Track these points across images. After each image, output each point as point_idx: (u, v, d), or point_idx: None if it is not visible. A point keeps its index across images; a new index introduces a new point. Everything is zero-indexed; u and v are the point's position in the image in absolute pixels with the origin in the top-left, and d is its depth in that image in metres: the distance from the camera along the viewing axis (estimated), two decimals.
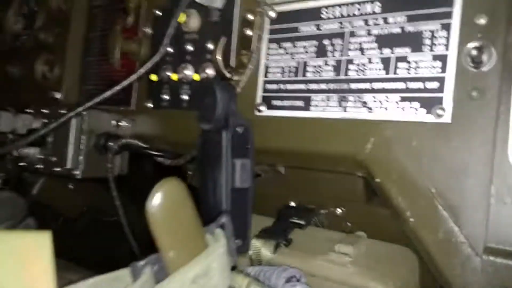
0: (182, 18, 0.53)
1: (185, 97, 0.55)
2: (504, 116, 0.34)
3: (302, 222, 0.54)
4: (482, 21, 0.36)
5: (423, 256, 0.39)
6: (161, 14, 0.59)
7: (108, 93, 0.52)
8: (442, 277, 0.37)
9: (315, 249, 0.49)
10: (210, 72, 0.52)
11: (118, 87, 0.52)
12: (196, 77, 0.53)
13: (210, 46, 0.53)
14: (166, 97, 0.57)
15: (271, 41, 0.49)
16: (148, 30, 0.60)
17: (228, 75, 0.49)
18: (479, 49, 0.36)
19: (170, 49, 0.56)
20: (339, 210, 0.57)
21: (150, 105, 0.58)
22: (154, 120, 0.58)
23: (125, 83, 0.53)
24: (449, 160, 0.37)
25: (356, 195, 0.52)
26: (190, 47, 0.55)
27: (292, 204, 0.59)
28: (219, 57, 0.50)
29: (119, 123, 0.58)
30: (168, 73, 0.56)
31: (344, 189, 0.52)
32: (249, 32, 0.50)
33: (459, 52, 0.37)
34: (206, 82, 0.49)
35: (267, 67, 0.49)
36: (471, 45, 0.36)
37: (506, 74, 0.35)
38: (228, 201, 0.42)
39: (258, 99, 0.49)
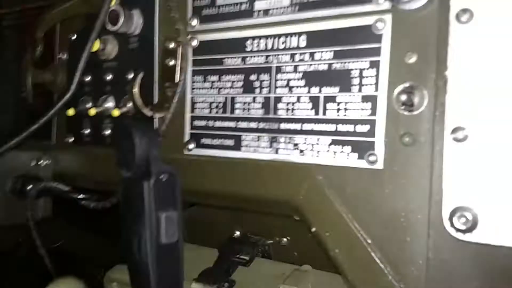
0: (96, 45, 0.48)
1: (107, 132, 0.50)
2: (438, 163, 0.32)
3: (246, 258, 0.51)
4: (412, 59, 0.33)
5: None
6: (75, 37, 0.53)
7: (22, 136, 0.47)
8: None
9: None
10: (131, 105, 0.48)
11: (32, 128, 0.47)
12: (116, 112, 0.48)
13: (130, 76, 0.48)
14: (87, 131, 0.51)
15: (195, 73, 0.44)
16: (65, 56, 0.54)
17: (148, 113, 0.45)
18: (410, 90, 0.33)
19: (87, 78, 0.51)
20: (284, 240, 0.55)
21: (71, 140, 0.53)
22: (76, 157, 0.53)
23: (40, 121, 0.47)
24: (384, 209, 0.34)
25: (301, 224, 0.50)
26: (109, 77, 0.50)
27: (237, 233, 0.57)
28: (136, 93, 0.45)
29: (39, 162, 0.53)
30: (88, 106, 0.51)
31: (288, 218, 0.50)
32: (171, 62, 0.45)
33: (389, 93, 0.34)
34: (123, 123, 0.44)
35: (193, 102, 0.45)
36: (401, 86, 0.34)
37: (438, 117, 0.32)
38: (154, 259, 0.39)
39: (186, 137, 0.45)
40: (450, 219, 0.30)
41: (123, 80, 0.49)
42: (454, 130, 0.31)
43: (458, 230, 0.30)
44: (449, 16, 0.31)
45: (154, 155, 0.40)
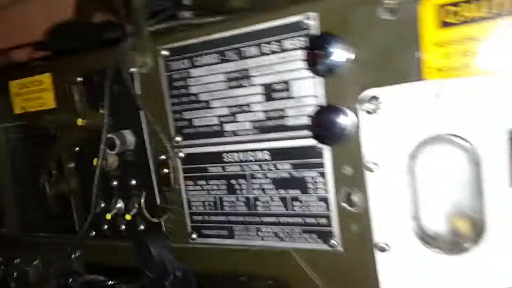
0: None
1: (122, 227, 0.61)
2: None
3: None
4: (349, 171, 0.44)
5: None
6: (79, 149, 0.63)
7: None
8: None
9: None
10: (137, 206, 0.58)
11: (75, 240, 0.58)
12: (128, 217, 0.59)
13: (133, 182, 0.58)
14: (105, 227, 0.62)
15: (186, 178, 0.55)
16: (72, 165, 0.64)
17: (155, 220, 0.56)
18: (350, 193, 0.44)
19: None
20: None
21: (92, 234, 0.64)
22: (100, 248, 0.64)
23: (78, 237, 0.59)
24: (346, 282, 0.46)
25: None
26: (115, 183, 0.60)
27: None
28: (143, 207, 0.56)
29: (71, 257, 0.64)
30: (102, 207, 0.61)
31: None
32: (165, 171, 0.56)
33: (337, 195, 0.45)
34: (140, 239, 0.55)
35: (190, 201, 0.55)
36: (344, 190, 0.45)
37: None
38: None
39: (189, 229, 0.56)
40: None
41: (127, 185, 0.59)
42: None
43: None
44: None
45: (168, 257, 0.52)
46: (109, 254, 0.62)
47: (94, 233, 0.63)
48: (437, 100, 0.35)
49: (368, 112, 0.39)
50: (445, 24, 0.37)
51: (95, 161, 0.57)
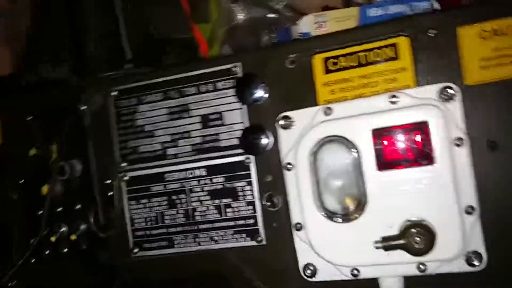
0: (45, 190, 0.64)
1: (65, 250, 0.66)
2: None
3: None
4: (269, 178, 0.58)
5: None
6: (23, 181, 0.68)
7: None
8: None
9: None
10: (84, 227, 0.65)
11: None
12: (73, 237, 0.64)
13: (78, 207, 0.65)
14: (47, 252, 0.66)
15: (130, 198, 0.64)
16: (16, 196, 0.68)
17: (101, 235, 0.63)
18: (271, 196, 0.57)
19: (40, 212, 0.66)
20: None
21: (32, 260, 0.67)
22: (40, 274, 0.67)
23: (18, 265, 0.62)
24: (270, 268, 0.58)
25: None
26: (60, 209, 0.66)
27: None
28: (91, 222, 0.63)
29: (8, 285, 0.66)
30: (44, 233, 0.66)
31: None
32: (110, 193, 0.64)
33: (261, 199, 0.58)
34: None
35: (132, 218, 0.63)
36: (266, 194, 0.58)
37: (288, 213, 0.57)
38: None
39: (131, 244, 0.63)
40: (303, 270, 0.54)
41: (71, 210, 0.65)
42: (295, 224, 0.55)
43: (307, 275, 0.54)
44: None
45: None
46: (50, 279, 0.66)
47: (34, 260, 0.67)
48: (326, 116, 0.52)
49: (283, 128, 0.54)
50: (329, 71, 0.54)
51: (44, 188, 0.63)
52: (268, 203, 0.57)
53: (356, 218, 0.50)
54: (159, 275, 0.62)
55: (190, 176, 0.61)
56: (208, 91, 0.60)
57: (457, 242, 0.47)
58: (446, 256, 0.47)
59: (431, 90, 0.49)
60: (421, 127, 0.48)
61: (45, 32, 0.77)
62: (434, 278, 0.50)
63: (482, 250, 0.48)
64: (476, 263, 0.48)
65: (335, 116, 0.51)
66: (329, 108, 0.52)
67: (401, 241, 0.46)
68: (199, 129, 0.60)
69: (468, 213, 0.47)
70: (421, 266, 0.49)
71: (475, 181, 0.48)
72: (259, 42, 0.77)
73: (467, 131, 0.48)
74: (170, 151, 0.62)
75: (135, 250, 0.63)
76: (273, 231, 0.57)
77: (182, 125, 0.61)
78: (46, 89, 0.68)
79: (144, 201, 0.63)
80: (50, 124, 0.65)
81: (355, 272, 0.51)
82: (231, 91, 0.58)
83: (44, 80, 0.77)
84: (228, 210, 0.60)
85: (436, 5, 0.62)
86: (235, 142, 0.59)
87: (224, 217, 0.60)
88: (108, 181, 0.64)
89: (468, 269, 0.48)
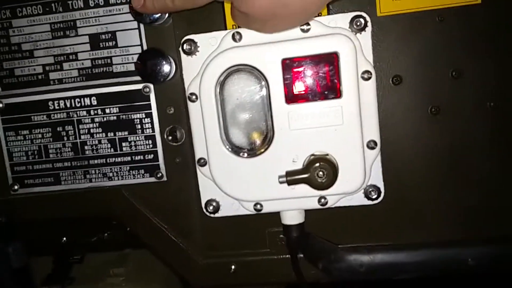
0: None
1: None
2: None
3: (78, 257, 0.66)
4: (172, 110, 0.52)
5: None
6: None
7: None
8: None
9: (95, 278, 0.63)
10: None
11: None
12: None
13: None
14: None
15: (6, 129, 0.55)
16: None
17: None
18: (173, 129, 0.53)
19: None
20: (105, 234, 0.70)
21: None
22: None
23: None
24: (170, 205, 0.54)
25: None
26: None
27: (64, 239, 0.70)
28: None
29: None
30: None
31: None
32: None
33: (162, 132, 0.53)
34: None
35: (10, 152, 0.55)
36: (168, 128, 0.53)
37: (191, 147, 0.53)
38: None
39: (10, 180, 0.55)
40: (205, 206, 0.52)
41: None
42: (199, 160, 0.51)
43: (209, 212, 0.52)
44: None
45: None
46: None
47: None
48: (235, 42, 0.47)
49: (187, 53, 0.48)
50: None
51: None
52: (170, 137, 0.53)
53: (261, 153, 0.47)
54: (44, 214, 0.56)
55: (78, 105, 0.53)
56: (98, 6, 0.51)
57: (358, 176, 0.47)
58: (347, 190, 0.48)
59: (343, 19, 0.46)
60: (331, 59, 0.46)
61: None
62: (333, 210, 0.51)
63: (380, 184, 0.49)
64: (374, 196, 0.49)
65: (244, 43, 0.47)
66: (238, 33, 0.47)
67: (305, 175, 0.45)
68: (88, 51, 0.52)
69: (371, 148, 0.48)
70: (322, 200, 0.49)
71: (378, 116, 0.48)
72: None
73: (374, 64, 0.48)
74: (54, 75, 0.53)
75: (15, 187, 0.55)
76: (175, 166, 0.54)
77: (68, 45, 0.52)
78: None
79: (24, 132, 0.54)
80: None
81: (258, 206, 0.50)
82: (126, 7, 0.51)
83: None
84: (124, 144, 0.54)
85: None
86: (131, 67, 0.52)
87: (119, 152, 0.54)
88: None
89: (367, 202, 0.50)
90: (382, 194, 0.49)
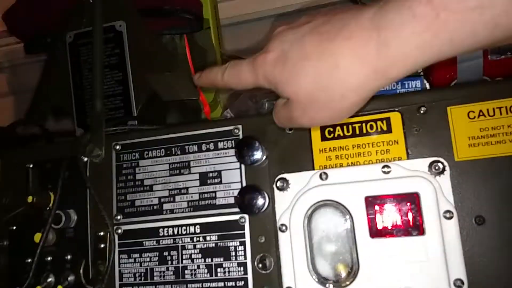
0: (37, 238, 0.64)
1: None
2: None
3: None
4: (262, 239, 0.58)
5: None
6: (15, 228, 0.68)
7: None
8: None
9: None
10: (72, 279, 0.64)
11: None
12: (60, 287, 0.63)
13: (68, 257, 0.64)
14: None
15: (121, 252, 0.63)
16: (5, 243, 0.68)
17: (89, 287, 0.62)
18: (263, 258, 0.57)
19: (29, 260, 0.65)
20: None
21: None
22: None
23: None
24: None
25: None
26: (49, 258, 0.65)
27: None
28: (81, 273, 0.62)
29: None
30: (31, 283, 0.64)
31: None
32: (102, 245, 0.63)
33: (252, 260, 0.58)
34: None
35: (121, 273, 0.63)
36: (258, 256, 0.58)
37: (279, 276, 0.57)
38: None
39: None
40: None
41: (62, 260, 0.64)
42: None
43: None
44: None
45: None
46: None
47: None
48: (322, 181, 0.53)
49: (280, 189, 0.55)
50: (325, 138, 0.57)
51: (37, 236, 0.63)
52: (260, 265, 0.57)
53: (347, 285, 0.50)
54: None
55: (184, 232, 0.61)
56: (209, 150, 0.62)
57: None
58: None
59: (422, 163, 0.51)
60: (412, 198, 0.50)
61: (52, 85, 0.81)
62: None
63: None
64: None
65: (330, 182, 0.53)
66: (325, 173, 0.54)
67: None
68: (197, 186, 0.62)
69: (458, 286, 0.48)
70: None
71: (463, 254, 0.49)
72: (260, 108, 0.81)
73: (456, 205, 0.50)
74: (167, 206, 0.63)
75: None
76: None
77: (181, 181, 0.63)
78: (50, 139, 0.70)
79: (135, 255, 0.63)
80: (49, 173, 0.66)
81: None
82: (231, 151, 0.61)
83: (48, 132, 0.80)
84: (219, 270, 0.59)
85: (427, 85, 0.66)
86: (231, 201, 0.60)
87: (214, 277, 0.59)
88: (102, 233, 0.64)
89: None
90: None
